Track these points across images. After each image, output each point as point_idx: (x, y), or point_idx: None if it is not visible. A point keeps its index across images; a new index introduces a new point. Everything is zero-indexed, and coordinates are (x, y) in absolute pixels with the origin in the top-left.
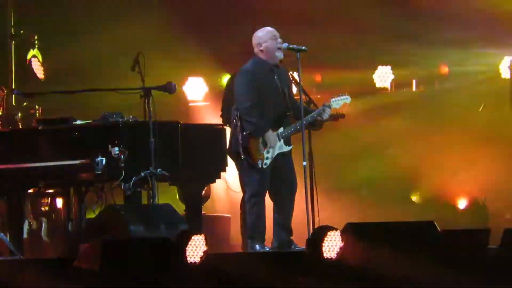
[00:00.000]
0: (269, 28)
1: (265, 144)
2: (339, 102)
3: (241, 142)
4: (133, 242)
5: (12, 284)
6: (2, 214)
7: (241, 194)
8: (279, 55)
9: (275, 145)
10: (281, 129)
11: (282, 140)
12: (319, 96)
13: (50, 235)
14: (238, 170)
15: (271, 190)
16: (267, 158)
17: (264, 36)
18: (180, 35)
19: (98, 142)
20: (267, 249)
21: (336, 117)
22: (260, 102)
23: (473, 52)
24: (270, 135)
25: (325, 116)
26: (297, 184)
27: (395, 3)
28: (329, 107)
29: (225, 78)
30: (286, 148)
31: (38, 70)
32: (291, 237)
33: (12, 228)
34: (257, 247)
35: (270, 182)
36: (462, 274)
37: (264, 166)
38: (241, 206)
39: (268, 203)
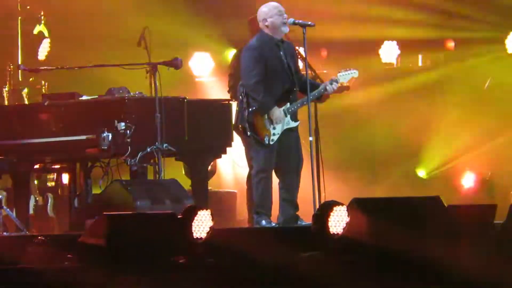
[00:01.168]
0: (274, 3)
1: (271, 121)
2: (347, 76)
3: (247, 118)
4: (139, 217)
5: (18, 260)
6: (8, 190)
7: (247, 169)
8: (285, 29)
9: (280, 122)
10: (288, 105)
11: (289, 116)
12: (325, 71)
13: (56, 211)
14: (244, 145)
15: (278, 166)
16: (273, 134)
17: (270, 12)
18: (187, 10)
19: (104, 118)
20: (273, 224)
21: (341, 89)
22: (266, 77)
23: (479, 26)
24: (276, 111)
25: (331, 89)
26: (303, 159)
27: None
28: (337, 81)
29: (231, 53)
30: (293, 124)
31: (43, 51)
32: (297, 213)
33: (18, 204)
34: (263, 222)
35: (277, 158)
36: (468, 249)
37: (271, 142)
38: (247, 181)
39: (275, 178)
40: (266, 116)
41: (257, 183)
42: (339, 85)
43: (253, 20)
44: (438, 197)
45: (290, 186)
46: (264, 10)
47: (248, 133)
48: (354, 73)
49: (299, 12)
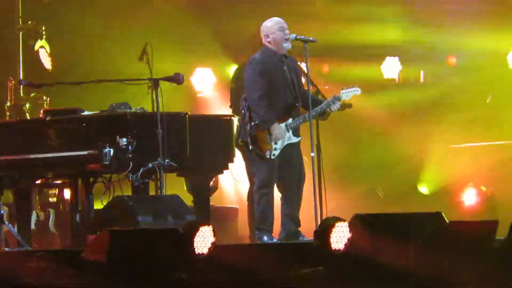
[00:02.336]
0: (277, 19)
1: (271, 136)
2: (349, 94)
3: (249, 132)
4: (140, 233)
5: (20, 275)
6: (10, 205)
7: (247, 185)
8: (287, 45)
9: (281, 138)
10: (290, 120)
11: (291, 131)
12: (326, 87)
13: (58, 226)
14: (245, 161)
15: (280, 181)
16: (275, 149)
17: (272, 27)
18: (188, 25)
19: (106, 133)
20: (275, 240)
21: (344, 107)
22: (269, 92)
23: (480, 43)
24: (276, 127)
25: (334, 108)
26: (305, 175)
27: None
28: (339, 99)
29: (232, 68)
30: (294, 139)
31: (46, 60)
32: (299, 228)
33: (20, 219)
34: (265, 238)
35: (278, 173)
36: (470, 265)
37: (273, 157)
38: (248, 197)
39: (276, 194)
40: (267, 131)
41: (258, 199)
42: (341, 102)
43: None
44: (440, 213)
45: (292, 202)
46: (267, 25)
47: (250, 147)
48: (357, 91)
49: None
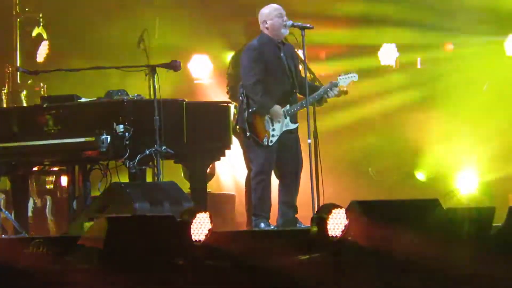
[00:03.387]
0: (274, 5)
1: (271, 121)
2: (346, 80)
3: (246, 118)
4: (137, 220)
5: (17, 262)
6: (7, 192)
7: (244, 172)
8: (285, 32)
9: (281, 120)
10: (287, 107)
11: (288, 118)
12: (323, 73)
13: (55, 213)
14: (242, 147)
15: (277, 168)
16: (273, 135)
17: (270, 14)
18: (186, 12)
19: (103, 120)
20: (272, 227)
21: (340, 93)
22: (266, 78)
23: (477, 29)
24: (276, 109)
25: (332, 94)
26: (302, 162)
27: None
28: (336, 85)
29: (230, 55)
30: (292, 126)
31: (42, 52)
32: (296, 215)
33: (17, 206)
34: (262, 225)
35: (276, 160)
36: (467, 252)
37: (270, 144)
38: (246, 183)
39: (274, 181)
40: (266, 117)
41: (256, 185)
42: (338, 88)
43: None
44: (437, 200)
45: (289, 188)
46: (264, 12)
47: (248, 133)
48: (354, 77)
49: (296, 14)
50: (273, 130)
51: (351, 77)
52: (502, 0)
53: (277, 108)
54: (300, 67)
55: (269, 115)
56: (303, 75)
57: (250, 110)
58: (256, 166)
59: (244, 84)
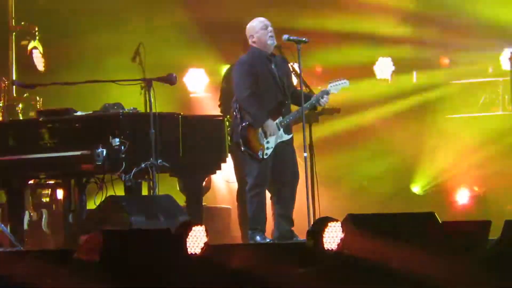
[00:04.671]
0: (259, 18)
1: (265, 134)
2: (337, 87)
3: (240, 132)
4: (133, 233)
5: (12, 276)
6: (2, 205)
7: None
8: (272, 43)
9: (275, 134)
10: (281, 118)
11: (282, 129)
12: (319, 87)
13: (51, 227)
14: (237, 161)
15: (273, 180)
16: (267, 148)
17: (255, 27)
18: (182, 26)
19: (99, 133)
20: (268, 240)
21: (332, 111)
22: (258, 91)
23: (473, 44)
24: (270, 123)
25: (323, 102)
26: (298, 174)
27: None
28: (327, 92)
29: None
30: (286, 137)
31: (39, 61)
32: (292, 228)
33: (13, 220)
34: (258, 238)
35: (271, 172)
36: (462, 265)
37: (265, 156)
38: (237, 198)
39: (268, 193)
40: (260, 130)
41: (251, 198)
42: (328, 105)
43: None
44: (433, 213)
45: (285, 201)
46: (251, 26)
47: (242, 148)
48: (345, 83)
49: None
50: (268, 143)
51: (342, 83)
52: (498, 15)
53: (270, 122)
54: (295, 80)
55: (262, 128)
56: (298, 87)
57: (243, 124)
58: (252, 180)
59: (238, 98)
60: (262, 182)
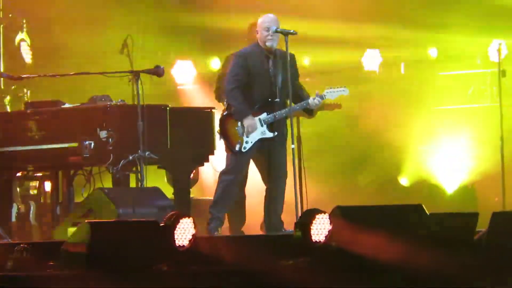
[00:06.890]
0: (267, 17)
1: (243, 128)
2: (334, 94)
3: (219, 121)
4: (121, 225)
5: (1, 268)
6: None
7: None
8: (270, 45)
9: (253, 131)
10: (264, 114)
11: (265, 126)
12: (307, 79)
13: (38, 219)
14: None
15: (262, 174)
16: (246, 142)
17: (261, 25)
18: (169, 18)
19: (87, 125)
20: (216, 234)
21: (333, 107)
22: (248, 85)
23: (461, 34)
24: (249, 119)
25: (313, 104)
26: (286, 172)
27: None
28: (322, 97)
29: (213, 61)
30: (269, 134)
31: (27, 54)
32: (281, 222)
33: (0, 212)
34: (211, 225)
35: (261, 166)
36: (450, 257)
37: (243, 150)
38: None
39: (260, 188)
40: (239, 124)
41: (219, 183)
42: (327, 101)
43: (252, 27)
44: (421, 205)
45: (272, 195)
46: (259, 20)
47: (219, 138)
48: (344, 91)
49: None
50: (247, 137)
51: (341, 91)
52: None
53: (249, 118)
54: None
55: (241, 122)
56: (299, 84)
57: (224, 113)
58: (226, 166)
59: (225, 90)
60: (233, 172)
